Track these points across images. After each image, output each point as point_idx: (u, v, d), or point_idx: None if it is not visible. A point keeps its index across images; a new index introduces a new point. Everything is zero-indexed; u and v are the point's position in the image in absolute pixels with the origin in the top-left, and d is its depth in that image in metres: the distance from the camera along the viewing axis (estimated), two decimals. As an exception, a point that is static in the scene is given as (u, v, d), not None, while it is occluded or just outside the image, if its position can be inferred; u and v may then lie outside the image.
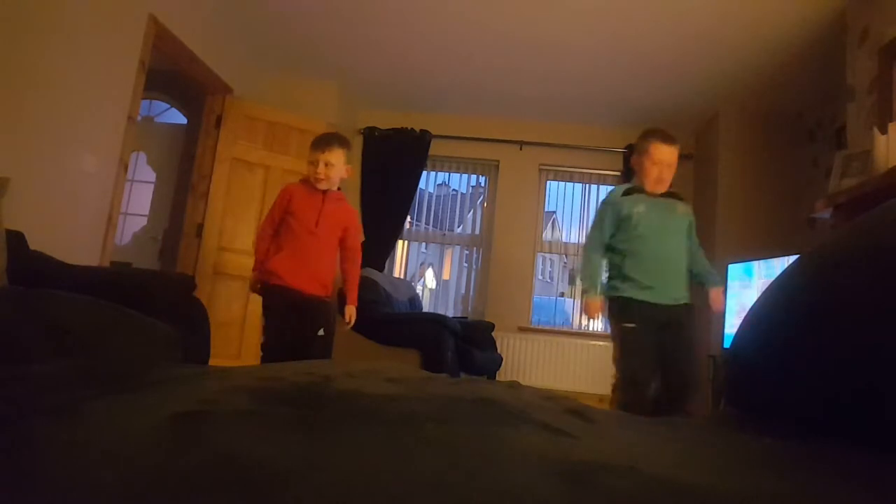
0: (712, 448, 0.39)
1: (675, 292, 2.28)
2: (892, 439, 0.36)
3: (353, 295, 2.58)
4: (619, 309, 2.29)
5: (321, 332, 2.43)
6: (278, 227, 2.44)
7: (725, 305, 2.94)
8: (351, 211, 2.61)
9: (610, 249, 2.38)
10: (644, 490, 0.27)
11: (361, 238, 2.49)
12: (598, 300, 2.35)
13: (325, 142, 2.45)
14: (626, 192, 2.39)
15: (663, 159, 2.30)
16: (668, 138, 2.34)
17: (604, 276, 2.42)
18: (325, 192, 2.44)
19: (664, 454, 0.35)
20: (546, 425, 0.35)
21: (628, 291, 2.26)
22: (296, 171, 4.22)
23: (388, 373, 0.46)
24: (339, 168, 2.45)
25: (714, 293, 2.44)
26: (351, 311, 2.58)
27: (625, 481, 0.28)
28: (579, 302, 5.18)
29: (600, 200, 2.54)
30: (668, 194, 2.38)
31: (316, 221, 2.40)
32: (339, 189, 2.53)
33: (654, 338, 2.22)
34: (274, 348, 2.33)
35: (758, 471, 0.33)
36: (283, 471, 0.27)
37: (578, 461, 0.30)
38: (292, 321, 2.37)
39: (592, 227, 2.47)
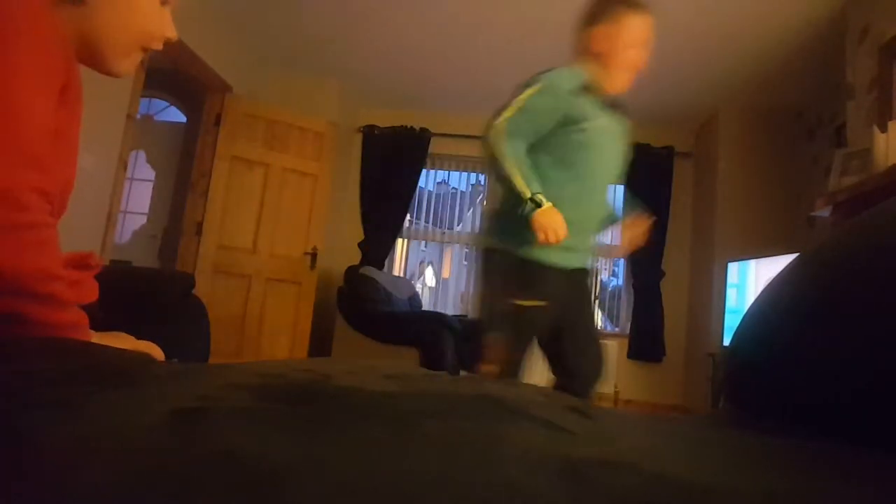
0: (714, 446, 0.39)
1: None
2: (892, 439, 0.36)
3: None
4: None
5: None
6: None
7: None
8: None
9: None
10: (645, 487, 0.27)
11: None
12: None
13: None
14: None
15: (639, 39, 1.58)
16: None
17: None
18: None
19: (665, 451, 0.35)
20: (546, 422, 0.35)
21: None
22: (296, 169, 4.22)
23: (387, 370, 0.46)
24: None
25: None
26: None
27: (626, 478, 0.28)
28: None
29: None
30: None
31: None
32: None
33: None
34: None
35: (759, 469, 0.33)
36: (282, 468, 0.27)
37: (579, 458, 0.30)
38: None
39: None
